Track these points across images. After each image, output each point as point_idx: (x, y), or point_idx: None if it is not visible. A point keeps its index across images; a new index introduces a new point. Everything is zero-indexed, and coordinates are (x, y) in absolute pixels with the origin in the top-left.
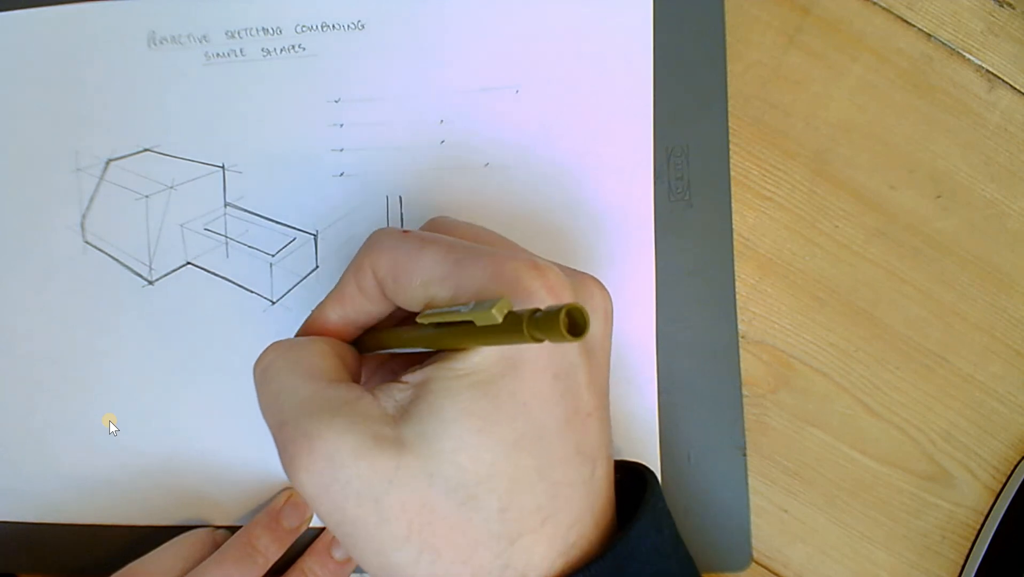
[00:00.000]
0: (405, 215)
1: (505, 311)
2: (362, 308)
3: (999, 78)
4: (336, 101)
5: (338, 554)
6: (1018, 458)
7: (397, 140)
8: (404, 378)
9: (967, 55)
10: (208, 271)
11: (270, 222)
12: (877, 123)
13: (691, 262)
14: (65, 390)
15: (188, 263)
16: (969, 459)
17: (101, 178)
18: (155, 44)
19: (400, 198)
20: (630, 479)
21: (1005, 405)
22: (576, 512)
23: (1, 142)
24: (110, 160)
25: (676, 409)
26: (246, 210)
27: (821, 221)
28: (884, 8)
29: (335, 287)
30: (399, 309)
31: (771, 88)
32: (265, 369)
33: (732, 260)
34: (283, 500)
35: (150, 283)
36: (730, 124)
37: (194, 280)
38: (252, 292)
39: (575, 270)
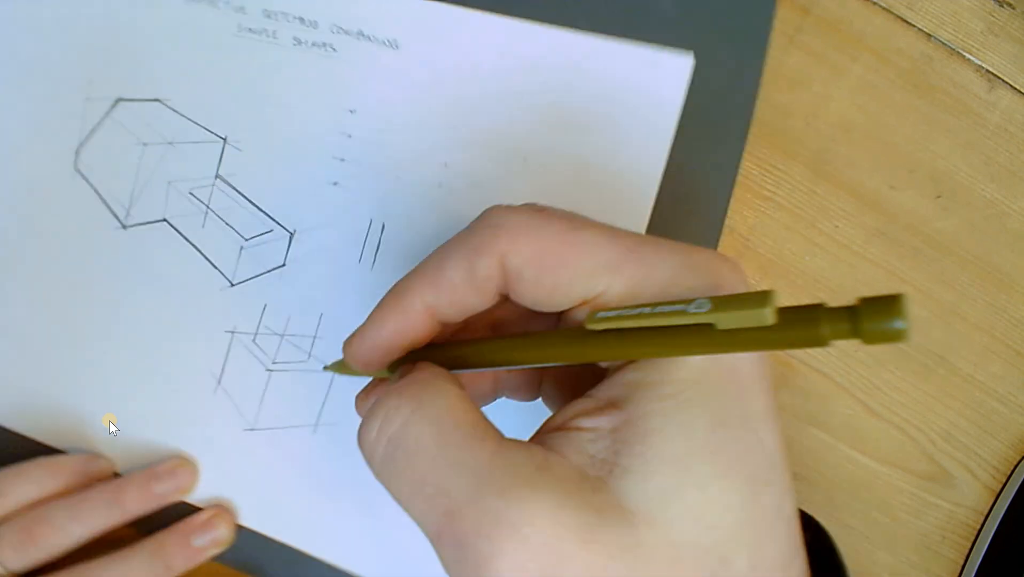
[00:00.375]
0: (383, 244)
1: (776, 308)
2: (459, 302)
3: (999, 78)
4: (351, 111)
5: (198, 542)
6: (1018, 458)
7: (398, 168)
8: (582, 423)
9: (967, 55)
10: (181, 234)
11: (253, 207)
12: (877, 123)
13: None
14: (30, 310)
15: (164, 220)
16: (969, 459)
17: (107, 114)
18: (194, 0)
19: (383, 225)
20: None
21: (1005, 405)
22: (803, 553)
23: (22, 55)
24: (120, 99)
25: None
26: (234, 188)
27: (821, 221)
28: (884, 8)
29: (425, 269)
30: (484, 314)
31: (771, 88)
32: (397, 439)
33: None
34: (168, 467)
35: (123, 227)
36: None
37: (165, 238)
38: (215, 268)
39: None
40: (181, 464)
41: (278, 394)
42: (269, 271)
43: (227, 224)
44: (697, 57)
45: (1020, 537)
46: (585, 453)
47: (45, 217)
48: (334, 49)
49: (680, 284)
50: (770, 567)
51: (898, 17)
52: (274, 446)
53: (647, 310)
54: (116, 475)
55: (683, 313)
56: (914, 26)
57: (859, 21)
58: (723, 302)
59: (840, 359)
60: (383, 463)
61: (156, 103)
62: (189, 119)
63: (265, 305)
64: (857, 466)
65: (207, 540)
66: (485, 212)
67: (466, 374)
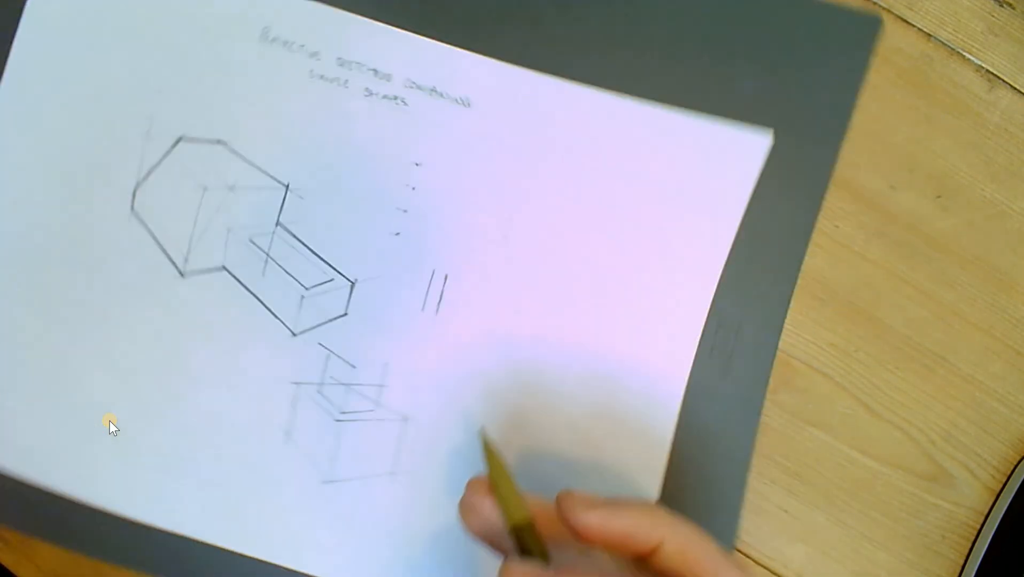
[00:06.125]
0: (446, 293)
1: None
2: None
3: (999, 78)
4: (417, 164)
5: None
6: (1018, 458)
7: (463, 223)
8: None
9: (967, 55)
10: (241, 283)
11: (314, 256)
12: (877, 123)
13: (717, 429)
14: (75, 358)
15: (224, 267)
16: (969, 459)
17: (168, 153)
18: (267, 41)
19: (446, 276)
20: None
21: (1005, 405)
22: None
23: (84, 86)
24: (182, 138)
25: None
26: (296, 236)
27: (821, 221)
28: (884, 8)
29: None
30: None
31: None
32: None
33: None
34: None
35: (181, 275)
36: None
37: (224, 287)
38: (276, 317)
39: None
40: None
41: (351, 444)
42: (331, 320)
43: (288, 273)
44: (775, 135)
45: (1020, 537)
46: None
47: (103, 262)
48: (405, 103)
49: None
50: None
51: (898, 17)
52: (353, 496)
53: None
54: None
55: None
56: (914, 26)
57: None
58: None
59: (840, 359)
60: None
61: (219, 145)
62: (252, 163)
63: (328, 355)
64: (857, 466)
65: None
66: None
67: None
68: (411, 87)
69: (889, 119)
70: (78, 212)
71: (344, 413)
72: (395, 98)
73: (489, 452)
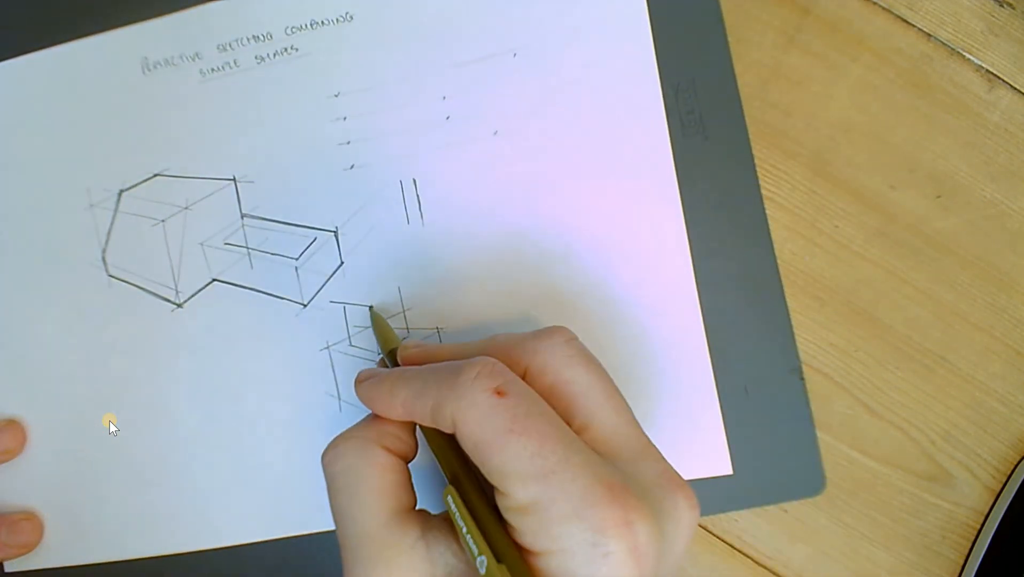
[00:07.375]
0: (422, 197)
1: None
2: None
3: (999, 78)
4: (336, 95)
5: (11, 540)
6: (1018, 458)
7: (402, 124)
8: (462, 546)
9: (967, 55)
10: (235, 284)
11: (289, 226)
12: (877, 123)
13: (717, 195)
14: (105, 425)
15: (214, 280)
16: (969, 459)
17: (116, 210)
18: (149, 69)
19: (414, 181)
20: None
21: (1005, 405)
22: None
23: (15, 189)
24: (122, 191)
25: (726, 343)
26: (263, 218)
27: (821, 221)
28: (884, 8)
29: (409, 392)
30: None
31: (771, 88)
32: (337, 475)
33: (758, 187)
34: (13, 519)
35: (179, 306)
36: None
37: (223, 296)
38: (282, 298)
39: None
40: (26, 518)
41: None
42: (332, 276)
43: (273, 254)
44: None
45: (1020, 537)
46: (446, 563)
47: (103, 334)
48: (296, 49)
49: (565, 528)
50: None
51: (898, 17)
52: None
53: (466, 535)
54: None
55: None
56: (914, 26)
57: (859, 21)
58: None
59: (840, 359)
60: (327, 479)
61: (156, 178)
62: (193, 177)
63: (343, 307)
64: (857, 466)
65: (13, 540)
66: (459, 378)
67: None
68: (293, 32)
69: (889, 119)
70: (63, 302)
71: (380, 354)
72: (285, 50)
73: (371, 313)
